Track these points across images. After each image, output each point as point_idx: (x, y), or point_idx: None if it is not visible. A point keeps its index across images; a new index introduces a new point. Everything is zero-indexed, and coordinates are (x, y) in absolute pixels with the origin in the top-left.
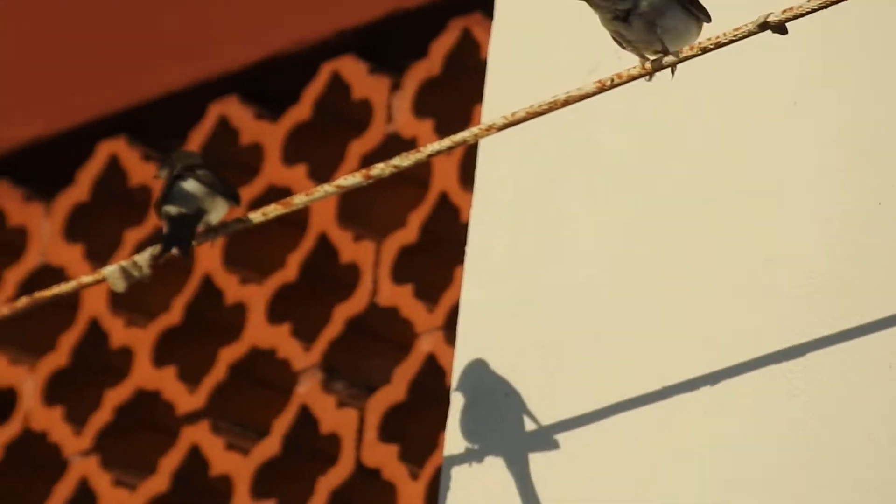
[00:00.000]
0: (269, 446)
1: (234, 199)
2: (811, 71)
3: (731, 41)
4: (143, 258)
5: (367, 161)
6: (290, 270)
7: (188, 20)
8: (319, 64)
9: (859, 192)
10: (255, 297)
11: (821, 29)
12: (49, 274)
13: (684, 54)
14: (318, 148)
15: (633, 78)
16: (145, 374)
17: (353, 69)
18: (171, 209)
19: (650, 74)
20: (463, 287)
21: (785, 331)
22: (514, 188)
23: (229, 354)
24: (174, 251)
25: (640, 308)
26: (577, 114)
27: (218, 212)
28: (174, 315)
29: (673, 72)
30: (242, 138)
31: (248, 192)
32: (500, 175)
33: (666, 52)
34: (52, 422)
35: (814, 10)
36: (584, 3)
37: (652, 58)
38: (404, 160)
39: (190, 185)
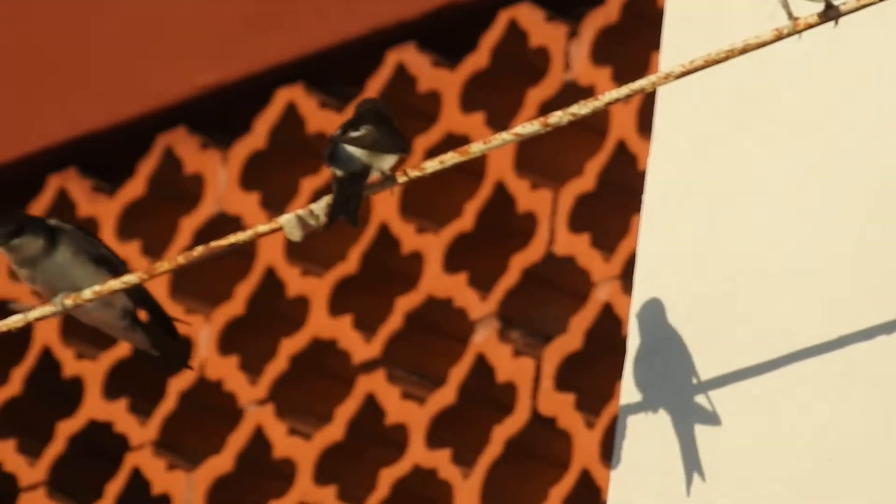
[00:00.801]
0: (445, 395)
1: (400, 149)
2: None
3: None
4: (320, 207)
5: (545, 109)
6: (467, 219)
7: None
8: (497, 11)
9: None
10: (432, 246)
11: None
12: (225, 222)
13: (861, 3)
14: (495, 96)
15: (811, 25)
16: (321, 323)
17: (530, 16)
18: (336, 171)
19: (835, 20)
20: (640, 236)
21: None
22: (692, 136)
23: (405, 304)
24: (341, 218)
25: (819, 257)
26: (755, 61)
27: (389, 161)
28: (350, 264)
29: (836, 23)
30: (420, 86)
31: (424, 140)
32: (678, 123)
33: (829, 7)
34: (227, 371)
35: None
36: None
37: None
38: (582, 108)
39: (351, 147)
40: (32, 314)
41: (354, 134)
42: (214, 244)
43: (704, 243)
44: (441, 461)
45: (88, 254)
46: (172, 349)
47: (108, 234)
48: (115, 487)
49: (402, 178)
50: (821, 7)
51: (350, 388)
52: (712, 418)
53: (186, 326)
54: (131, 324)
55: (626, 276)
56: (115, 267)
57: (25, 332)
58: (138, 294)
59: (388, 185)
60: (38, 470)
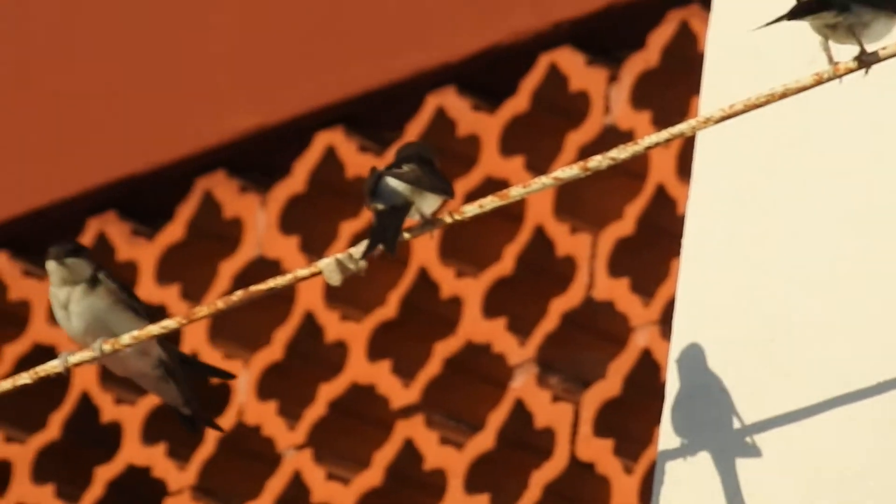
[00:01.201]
0: (484, 440)
1: (443, 191)
2: None
3: None
4: (359, 251)
5: (585, 153)
6: (507, 263)
7: (406, 11)
8: (537, 55)
9: None
10: (471, 290)
11: None
12: (264, 266)
13: (887, 53)
14: (535, 139)
15: (851, 70)
16: (360, 368)
17: (570, 60)
18: (378, 205)
19: (867, 67)
20: (679, 281)
21: None
22: (732, 181)
23: (444, 348)
24: (380, 248)
25: (859, 303)
26: (795, 106)
27: (430, 204)
28: (390, 308)
29: (867, 71)
30: (459, 129)
31: (464, 184)
32: (718, 167)
33: (863, 53)
34: (266, 416)
35: None
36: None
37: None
38: (622, 152)
39: (394, 182)
40: (72, 359)
41: (397, 170)
42: (254, 288)
43: (743, 288)
44: None
45: (124, 301)
46: (201, 410)
47: (147, 278)
48: None
49: (441, 222)
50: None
51: (389, 434)
52: (751, 464)
53: (224, 373)
54: (164, 374)
55: (665, 321)
56: (143, 317)
57: (64, 377)
58: (171, 349)
59: (429, 228)
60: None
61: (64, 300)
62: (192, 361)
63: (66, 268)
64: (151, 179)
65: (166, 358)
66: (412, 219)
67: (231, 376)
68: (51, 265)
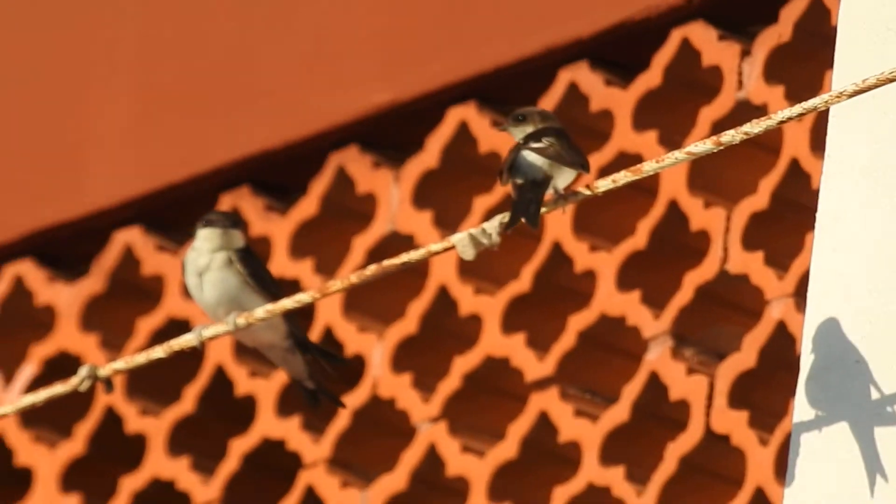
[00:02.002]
0: (619, 413)
1: (580, 166)
2: None
3: None
4: (492, 225)
5: (718, 127)
6: (640, 237)
7: None
8: (669, 30)
9: None
10: (605, 264)
11: None
12: (398, 241)
13: None
14: (668, 114)
15: None
16: (494, 341)
17: (703, 35)
18: (517, 179)
19: None
20: (813, 253)
21: None
22: (866, 154)
23: (578, 322)
24: (522, 221)
25: None
26: None
27: (565, 179)
28: (523, 282)
29: None
30: (592, 104)
31: (597, 159)
32: (851, 141)
33: None
34: (400, 389)
35: None
36: None
37: None
38: (755, 127)
39: (532, 156)
40: (206, 332)
41: (537, 145)
42: (387, 263)
43: (878, 260)
44: (615, 479)
45: (261, 275)
46: (324, 384)
47: (280, 253)
48: None
49: (577, 196)
50: None
51: (523, 406)
52: (888, 435)
53: (337, 358)
54: (293, 346)
55: (800, 294)
56: (276, 294)
57: (199, 350)
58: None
59: (563, 202)
60: (212, 488)
61: (202, 267)
62: (308, 344)
63: (226, 236)
64: (285, 154)
65: (296, 329)
66: (547, 194)
67: (343, 361)
68: (208, 231)
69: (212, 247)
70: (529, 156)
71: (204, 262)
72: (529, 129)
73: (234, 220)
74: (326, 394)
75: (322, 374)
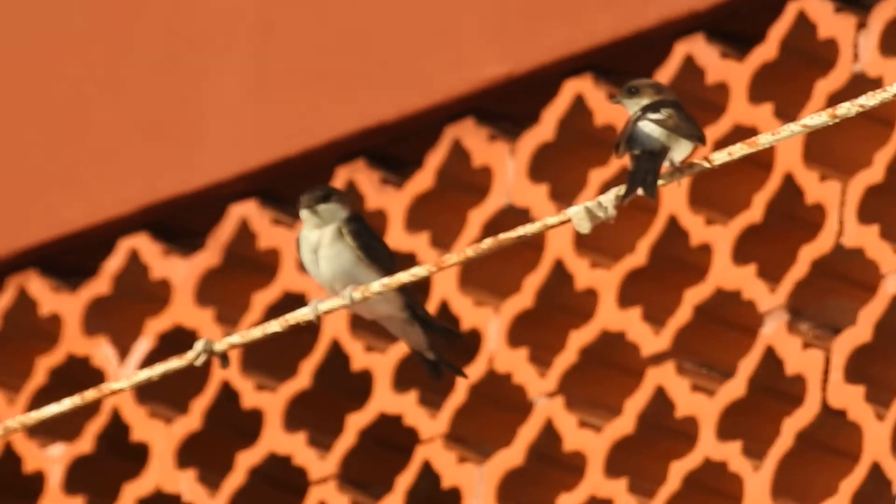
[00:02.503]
0: (735, 387)
1: (698, 138)
2: None
3: None
4: (608, 199)
5: (833, 100)
6: (756, 211)
7: None
8: (786, 2)
9: None
10: (721, 237)
11: None
12: (513, 214)
13: None
14: (783, 87)
15: None
16: (610, 316)
17: (819, 8)
18: (635, 150)
19: None
20: None
21: None
22: None
23: (694, 295)
24: (639, 192)
25: None
26: None
27: (681, 151)
28: (639, 256)
29: None
30: (708, 77)
31: (713, 132)
32: None
33: None
34: (516, 363)
35: None
36: None
37: None
38: (870, 99)
39: (650, 127)
40: (322, 306)
41: (656, 116)
42: (503, 236)
43: None
44: (731, 453)
45: (373, 247)
46: (444, 355)
47: (396, 226)
48: (405, 480)
49: (693, 169)
50: None
51: (639, 381)
52: None
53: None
54: (411, 317)
55: None
56: (390, 266)
57: (315, 324)
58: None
59: (678, 175)
60: (328, 463)
61: (314, 244)
62: (423, 317)
63: (317, 215)
64: (401, 127)
65: (412, 302)
66: (663, 165)
67: (457, 336)
68: (303, 213)
69: (310, 225)
70: (647, 126)
71: (315, 238)
72: (643, 101)
73: (322, 196)
74: (448, 364)
75: (441, 345)
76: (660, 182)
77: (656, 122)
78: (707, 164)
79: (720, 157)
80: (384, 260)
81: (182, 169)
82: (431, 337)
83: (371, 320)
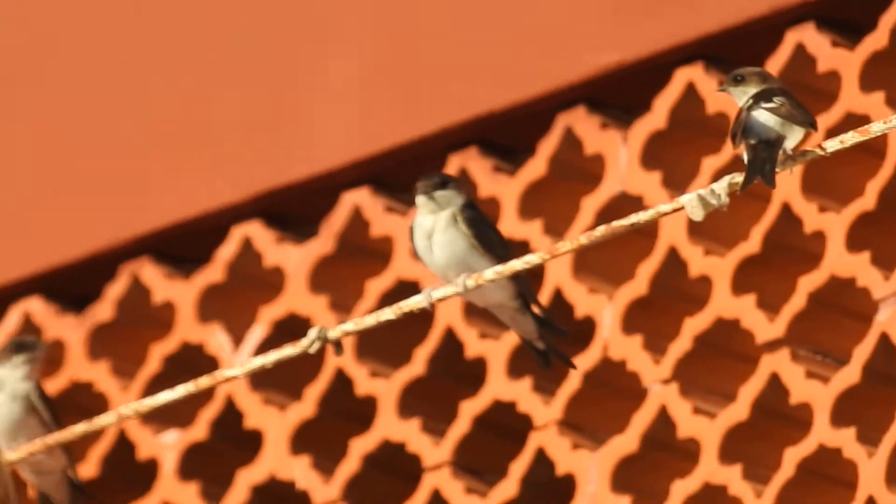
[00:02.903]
0: (850, 374)
1: (810, 125)
2: None
3: None
4: (721, 186)
5: None
6: (869, 198)
7: None
8: None
9: None
10: (834, 224)
11: None
12: (626, 202)
13: None
14: (895, 74)
15: None
16: (724, 303)
17: None
18: (751, 139)
19: None
20: None
21: None
22: None
23: (809, 283)
24: (758, 180)
25: None
26: None
27: (794, 139)
28: (752, 243)
29: None
30: (819, 66)
31: (824, 120)
32: None
33: None
34: (631, 350)
35: None
36: None
37: None
38: None
39: (765, 116)
40: (436, 294)
41: (769, 105)
42: (616, 224)
43: None
44: (846, 440)
45: (487, 235)
46: (554, 344)
47: (509, 214)
48: (519, 467)
49: (807, 156)
50: None
51: (754, 368)
52: None
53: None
54: (522, 306)
55: None
56: (503, 254)
57: (428, 312)
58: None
59: (791, 163)
60: (442, 450)
61: (429, 230)
62: (532, 307)
63: (434, 201)
64: (513, 115)
65: (524, 290)
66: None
67: (563, 332)
68: (420, 199)
69: (428, 211)
70: (762, 115)
71: (429, 224)
72: (749, 89)
73: (438, 183)
74: (557, 354)
75: (552, 336)
76: (778, 170)
77: (770, 110)
78: (820, 152)
79: (832, 145)
80: (498, 248)
81: (296, 156)
82: (541, 327)
83: (483, 308)
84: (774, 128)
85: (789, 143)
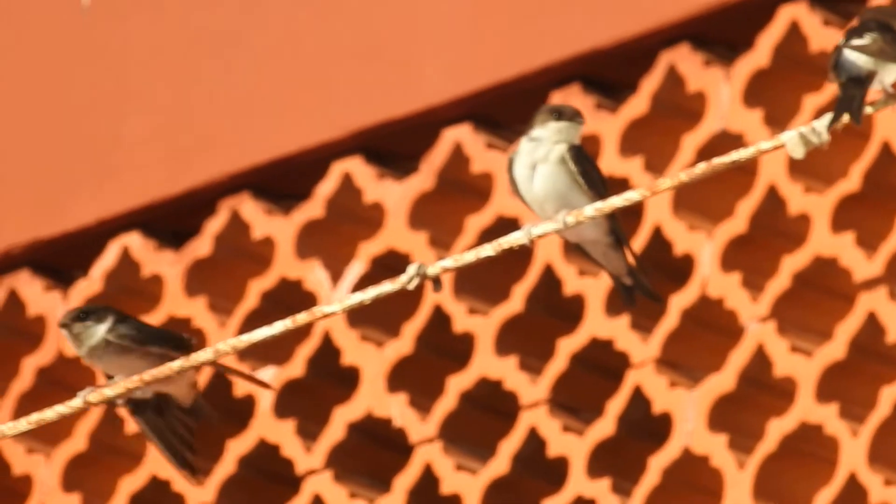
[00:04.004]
0: None
1: None
2: None
3: None
4: (822, 124)
5: None
6: None
7: None
8: None
9: None
10: None
11: None
12: (727, 140)
13: None
14: None
15: None
16: (823, 241)
17: None
18: (841, 77)
19: None
20: None
21: None
22: None
23: None
24: (845, 118)
25: None
26: None
27: (892, 74)
28: (852, 181)
29: None
30: None
31: None
32: None
33: None
34: (729, 288)
35: None
36: None
37: None
38: None
39: (854, 55)
40: (535, 230)
41: (859, 42)
42: (717, 161)
43: None
44: None
45: (590, 174)
46: (643, 281)
47: (610, 151)
48: (616, 405)
49: None
50: None
51: (851, 306)
52: None
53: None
54: (615, 242)
55: None
56: (601, 192)
57: (528, 248)
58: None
59: (891, 101)
60: (539, 387)
61: (540, 158)
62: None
63: (573, 130)
64: (615, 52)
65: (617, 227)
66: (877, 90)
67: (657, 297)
68: (566, 126)
69: (558, 139)
70: (851, 54)
71: (542, 153)
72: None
73: (580, 115)
74: (644, 289)
75: (645, 268)
76: (871, 108)
77: (858, 48)
78: None
79: None
80: (599, 186)
81: (396, 93)
82: (637, 261)
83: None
84: (864, 65)
85: (887, 79)
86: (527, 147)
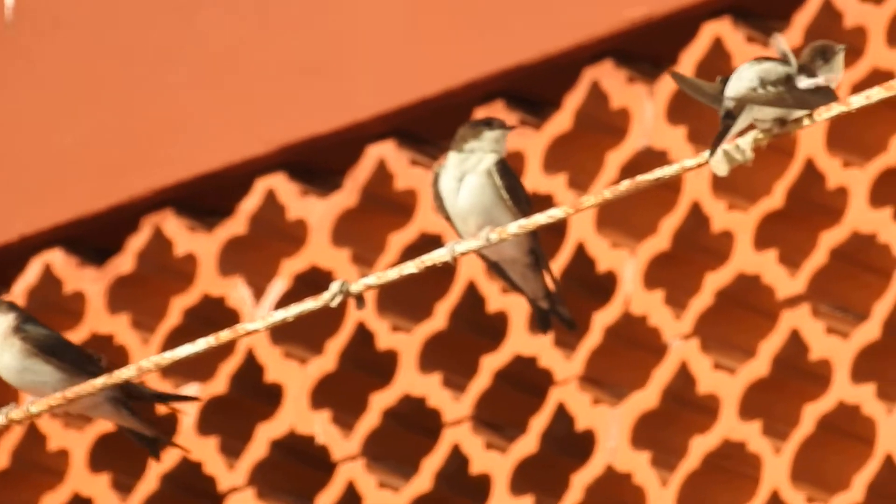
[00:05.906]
0: (870, 330)
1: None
2: None
3: None
4: (746, 142)
5: None
6: (893, 154)
7: None
8: None
9: None
10: (858, 181)
11: None
12: (651, 156)
13: None
14: None
15: None
16: (746, 258)
17: None
18: (728, 103)
19: None
20: None
21: None
22: None
23: (830, 239)
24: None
25: None
26: None
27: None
28: (776, 198)
29: None
30: (847, 21)
31: (851, 75)
32: None
33: None
34: (651, 305)
35: None
36: None
37: None
38: None
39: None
40: (458, 248)
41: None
42: (640, 178)
43: None
44: (866, 397)
45: (515, 190)
46: (558, 305)
47: (534, 168)
48: (539, 422)
49: (819, 116)
50: None
51: (774, 323)
52: None
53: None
54: (534, 262)
55: None
56: (525, 209)
57: (451, 266)
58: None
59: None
60: (463, 404)
61: (468, 169)
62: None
63: (504, 141)
64: (540, 69)
65: (537, 247)
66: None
67: (566, 319)
68: (501, 133)
69: (494, 148)
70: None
71: (473, 162)
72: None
73: (506, 122)
74: (558, 314)
75: (561, 294)
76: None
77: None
78: (845, 108)
79: (857, 101)
80: (523, 203)
81: (320, 109)
82: (550, 285)
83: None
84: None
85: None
86: (455, 159)
